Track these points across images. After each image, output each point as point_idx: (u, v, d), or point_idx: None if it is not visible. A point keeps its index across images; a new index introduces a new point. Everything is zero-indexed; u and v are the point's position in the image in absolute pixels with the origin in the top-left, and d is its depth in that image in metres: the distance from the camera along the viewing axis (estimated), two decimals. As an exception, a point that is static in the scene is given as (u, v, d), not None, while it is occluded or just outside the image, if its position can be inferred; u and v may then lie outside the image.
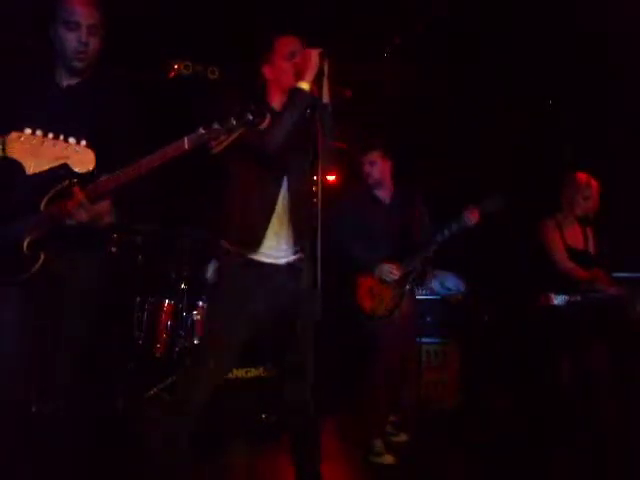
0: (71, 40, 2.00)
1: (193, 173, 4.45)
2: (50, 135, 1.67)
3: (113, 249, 3.86)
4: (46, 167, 1.68)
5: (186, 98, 4.19)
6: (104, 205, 1.95)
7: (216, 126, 1.87)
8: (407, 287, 3.28)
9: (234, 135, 1.90)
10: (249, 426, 3.50)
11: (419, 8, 4.19)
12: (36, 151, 1.67)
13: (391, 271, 3.23)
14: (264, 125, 1.98)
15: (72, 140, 1.69)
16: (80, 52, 2.01)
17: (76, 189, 1.83)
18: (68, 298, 2.02)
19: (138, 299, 3.90)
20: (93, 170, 1.75)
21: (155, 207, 4.10)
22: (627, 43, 3.84)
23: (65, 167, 1.70)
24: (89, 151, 1.70)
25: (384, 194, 3.48)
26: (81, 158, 1.69)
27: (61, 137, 1.68)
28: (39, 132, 1.67)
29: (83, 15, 2.00)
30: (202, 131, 1.87)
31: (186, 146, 1.86)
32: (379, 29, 4.34)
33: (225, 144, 1.91)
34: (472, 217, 3.15)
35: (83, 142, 1.70)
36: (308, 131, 2.16)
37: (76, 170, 1.70)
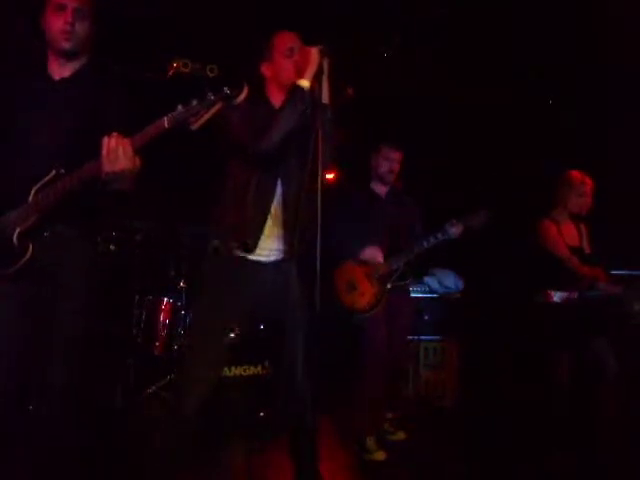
0: (57, 21, 2.01)
1: (191, 170, 4.46)
2: None
3: (112, 247, 3.86)
4: None
5: (185, 97, 4.18)
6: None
7: (194, 102, 1.88)
8: (388, 286, 3.27)
9: (213, 110, 1.91)
10: (248, 424, 3.50)
11: (419, 8, 4.19)
12: None
13: (376, 253, 3.23)
14: (241, 98, 1.98)
15: None
16: (65, 32, 2.01)
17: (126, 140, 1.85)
18: (60, 291, 2.01)
19: (137, 297, 3.90)
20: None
21: (154, 205, 4.10)
22: (627, 43, 3.84)
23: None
24: None
25: (382, 189, 3.50)
26: None
27: None
28: None
29: None
30: (181, 109, 1.88)
31: (166, 124, 1.87)
32: (379, 28, 4.34)
33: (204, 120, 1.91)
34: (455, 230, 3.21)
35: None
36: (307, 130, 2.16)
37: None
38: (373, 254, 3.24)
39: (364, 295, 3.24)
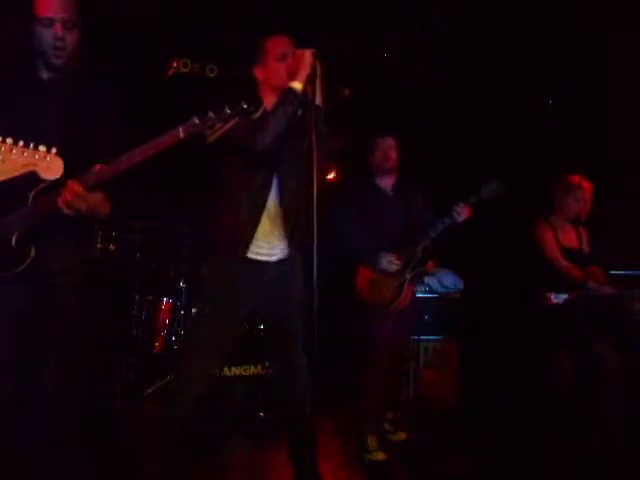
0: (47, 37, 1.96)
1: (190, 170, 4.46)
2: (20, 143, 1.67)
3: (112, 247, 3.87)
4: (14, 174, 1.68)
5: (184, 96, 4.20)
6: (99, 196, 1.95)
7: (211, 115, 1.87)
8: (407, 276, 3.26)
9: (229, 124, 1.90)
10: (248, 424, 3.50)
11: (419, 8, 4.19)
12: (5, 158, 1.67)
13: (391, 261, 3.23)
14: (258, 114, 1.98)
15: (42, 148, 1.69)
16: (57, 48, 1.97)
17: (70, 181, 1.82)
18: (56, 293, 2.01)
19: (137, 297, 3.90)
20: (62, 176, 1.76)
21: (153, 204, 4.10)
22: (627, 43, 3.84)
23: (33, 175, 1.70)
24: (58, 159, 1.70)
25: (387, 184, 3.46)
26: (49, 166, 1.69)
27: (31, 145, 1.68)
28: (9, 140, 1.66)
29: (56, 10, 1.95)
30: (196, 120, 1.87)
31: (181, 135, 1.86)
32: (379, 28, 4.35)
33: (220, 133, 1.91)
34: (462, 212, 3.19)
35: (53, 150, 1.69)
36: (301, 131, 2.16)
37: (43, 177, 1.70)
38: (387, 262, 3.23)
39: (387, 288, 3.25)
